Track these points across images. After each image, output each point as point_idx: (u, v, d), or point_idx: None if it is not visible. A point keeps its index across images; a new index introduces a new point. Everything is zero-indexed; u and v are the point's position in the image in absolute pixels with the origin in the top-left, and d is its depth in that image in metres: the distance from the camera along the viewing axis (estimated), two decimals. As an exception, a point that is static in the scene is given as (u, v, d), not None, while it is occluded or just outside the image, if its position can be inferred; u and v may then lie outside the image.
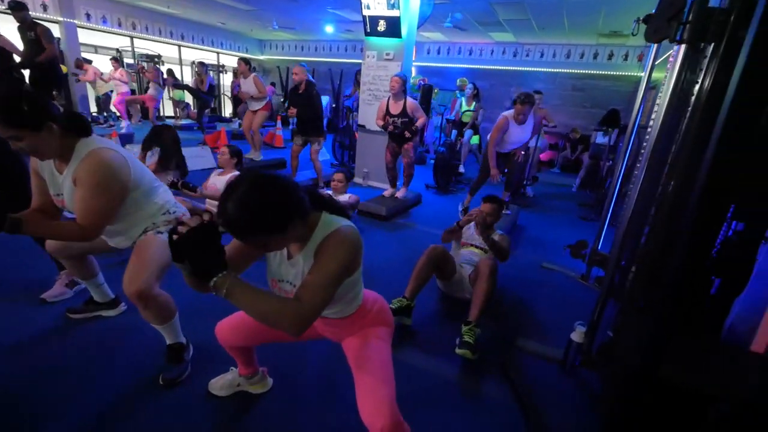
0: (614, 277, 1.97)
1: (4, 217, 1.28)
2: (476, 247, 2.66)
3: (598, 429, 1.49)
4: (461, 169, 6.32)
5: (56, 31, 7.94)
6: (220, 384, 1.59)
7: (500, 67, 9.55)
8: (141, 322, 1.62)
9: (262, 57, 13.47)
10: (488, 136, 4.10)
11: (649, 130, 1.79)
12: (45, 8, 7.86)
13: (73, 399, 1.52)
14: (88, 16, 8.62)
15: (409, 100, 4.09)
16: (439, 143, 7.04)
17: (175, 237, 0.86)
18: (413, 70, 9.84)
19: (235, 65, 6.25)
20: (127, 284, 1.45)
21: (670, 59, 1.72)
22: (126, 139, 5.89)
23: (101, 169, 1.36)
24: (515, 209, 4.42)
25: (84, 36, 8.74)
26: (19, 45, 4.55)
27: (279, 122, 7.94)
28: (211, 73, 8.94)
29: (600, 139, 6.10)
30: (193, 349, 1.76)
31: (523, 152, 4.23)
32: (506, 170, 4.33)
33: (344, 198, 3.50)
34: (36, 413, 1.44)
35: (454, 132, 6.36)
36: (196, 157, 5.32)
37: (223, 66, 12.26)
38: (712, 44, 1.33)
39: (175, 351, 1.65)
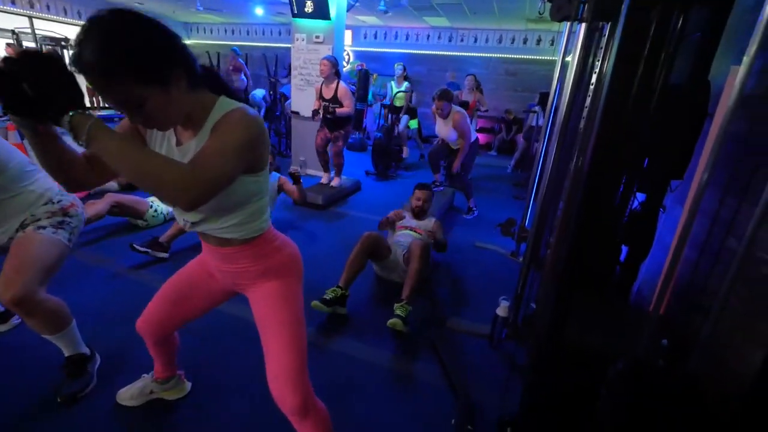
0: (537, 251, 2.07)
1: None
2: (411, 229, 2.71)
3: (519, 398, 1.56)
4: (404, 154, 6.24)
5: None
6: (131, 393, 1.45)
7: (436, 52, 9.64)
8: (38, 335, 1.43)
9: (189, 41, 12.49)
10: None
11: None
12: None
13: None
14: (-31, -10, 7.44)
15: (342, 84, 3.95)
16: (376, 129, 6.99)
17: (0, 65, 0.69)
18: (351, 55, 9.69)
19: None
20: (2, 289, 1.25)
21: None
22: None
23: None
24: (450, 191, 4.49)
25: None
26: None
27: None
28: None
29: (533, 122, 6.40)
30: (100, 360, 1.59)
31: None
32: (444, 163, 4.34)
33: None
34: None
35: (390, 116, 6.31)
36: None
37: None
38: (609, 23, 1.40)
39: (75, 363, 1.47)
